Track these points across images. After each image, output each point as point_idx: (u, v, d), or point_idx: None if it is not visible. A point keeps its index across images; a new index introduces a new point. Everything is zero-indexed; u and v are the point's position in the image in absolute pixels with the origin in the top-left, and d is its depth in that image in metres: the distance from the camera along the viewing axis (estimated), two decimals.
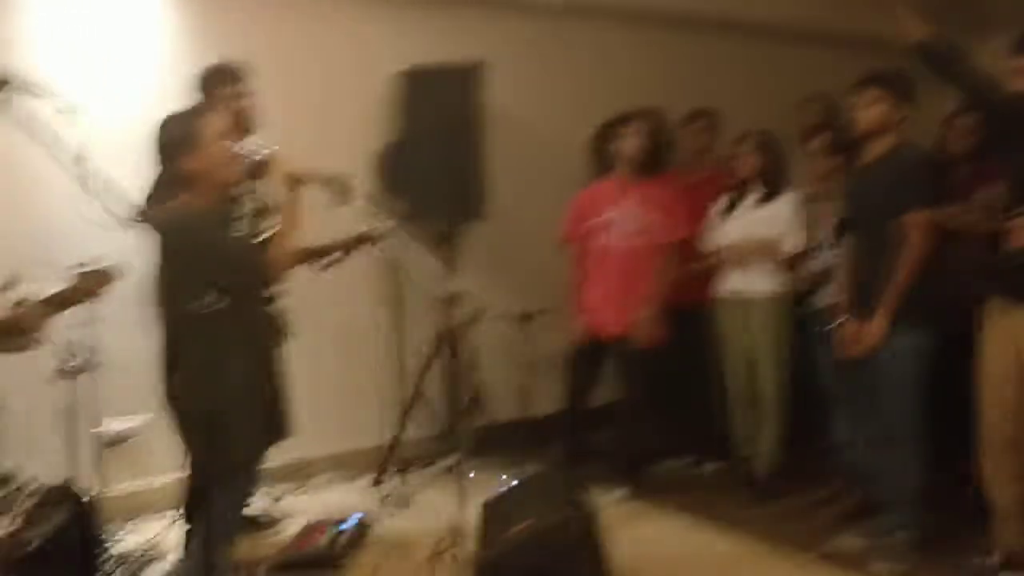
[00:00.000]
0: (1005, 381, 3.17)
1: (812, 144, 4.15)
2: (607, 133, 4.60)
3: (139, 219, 2.56)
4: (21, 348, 2.48)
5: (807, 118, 4.63)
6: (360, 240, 3.83)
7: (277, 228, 2.85)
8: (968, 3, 5.35)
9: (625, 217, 4.34)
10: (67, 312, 2.80)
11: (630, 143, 4.34)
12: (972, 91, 3.33)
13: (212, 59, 3.66)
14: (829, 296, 3.89)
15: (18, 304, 2.40)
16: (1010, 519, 3.23)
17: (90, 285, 2.42)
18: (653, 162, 4.38)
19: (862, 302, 3.53)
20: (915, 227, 3.41)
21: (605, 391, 4.54)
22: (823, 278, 4.01)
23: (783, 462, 4.26)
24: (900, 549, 3.48)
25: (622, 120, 4.44)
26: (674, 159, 4.83)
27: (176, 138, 2.70)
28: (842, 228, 3.80)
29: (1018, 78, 3.17)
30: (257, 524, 3.91)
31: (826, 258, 3.99)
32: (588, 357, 4.40)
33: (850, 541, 3.66)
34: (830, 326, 3.75)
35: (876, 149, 3.56)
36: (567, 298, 4.50)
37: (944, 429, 3.49)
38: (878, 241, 3.49)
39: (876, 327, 3.45)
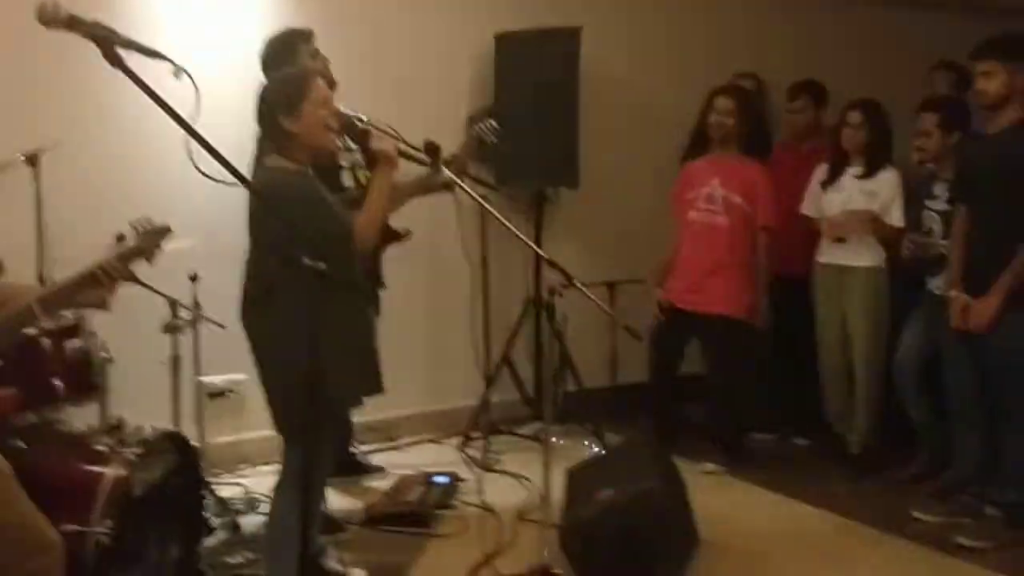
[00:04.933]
0: None
1: (927, 120, 3.92)
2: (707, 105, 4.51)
3: (239, 180, 2.61)
4: (101, 304, 2.53)
5: (937, 87, 4.46)
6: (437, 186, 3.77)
7: (367, 201, 2.86)
8: None
9: (715, 195, 4.26)
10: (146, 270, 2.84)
11: (719, 120, 4.25)
12: None
13: (307, 22, 3.69)
14: (938, 275, 3.77)
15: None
16: None
17: (150, 244, 2.46)
18: (746, 139, 4.29)
19: (976, 277, 3.41)
20: None
21: (694, 363, 4.50)
22: (931, 258, 3.86)
23: (876, 438, 4.19)
24: (991, 526, 3.42)
25: (716, 92, 4.35)
26: (773, 133, 4.72)
27: (279, 100, 2.74)
28: (954, 199, 3.66)
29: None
30: (353, 471, 4.02)
31: (936, 238, 3.85)
32: (674, 329, 4.36)
33: (939, 518, 3.60)
34: (929, 297, 3.63)
35: (999, 121, 3.42)
36: (655, 268, 4.46)
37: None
38: (997, 216, 3.37)
39: (991, 305, 3.32)
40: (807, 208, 4.33)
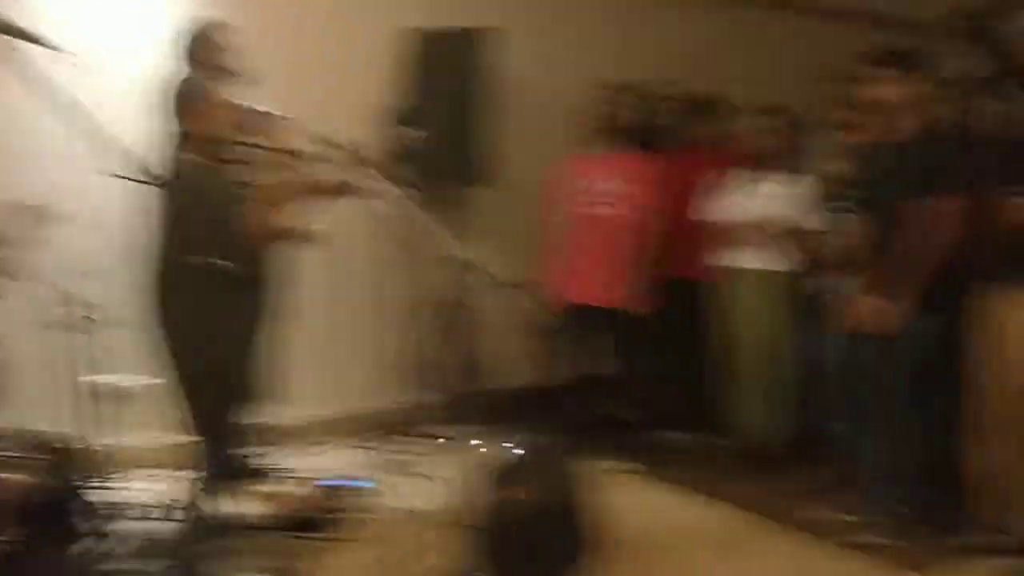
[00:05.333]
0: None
1: (836, 119, 4.03)
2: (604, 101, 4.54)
3: (143, 175, 2.54)
4: None
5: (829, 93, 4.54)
6: (342, 189, 3.73)
7: (263, 197, 2.82)
8: None
9: (611, 187, 4.30)
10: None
11: (618, 113, 4.29)
12: None
13: (215, 14, 3.61)
14: (835, 274, 3.83)
15: None
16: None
17: (26, 223, 2.39)
18: (644, 136, 4.34)
19: (876, 280, 3.48)
20: (947, 213, 3.34)
21: (607, 362, 4.52)
22: (830, 256, 3.95)
23: (779, 437, 4.27)
24: (892, 524, 3.48)
25: (618, 91, 4.39)
26: (673, 135, 4.79)
27: (181, 100, 2.70)
28: (853, 204, 3.74)
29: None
30: (258, 478, 3.93)
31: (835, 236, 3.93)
32: (574, 326, 4.38)
33: (842, 515, 3.65)
34: (833, 299, 3.72)
35: (901, 128, 3.50)
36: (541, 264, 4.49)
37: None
38: (897, 220, 3.43)
39: (893, 308, 3.40)
40: (710, 213, 4.36)
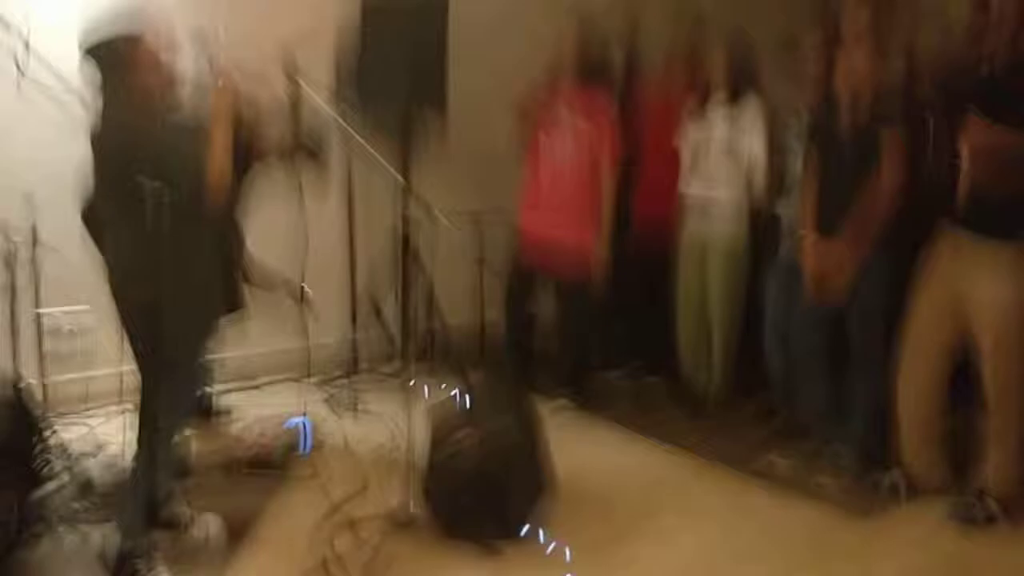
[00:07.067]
0: (932, 323, 3.22)
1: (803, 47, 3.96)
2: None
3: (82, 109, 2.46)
4: None
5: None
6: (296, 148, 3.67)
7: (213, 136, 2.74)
8: None
9: (564, 132, 4.24)
10: None
11: (566, 49, 4.22)
12: None
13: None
14: (791, 209, 3.84)
15: None
16: (912, 441, 3.35)
17: None
18: (592, 71, 4.26)
19: (828, 222, 3.50)
20: (894, 149, 3.36)
21: (551, 302, 4.54)
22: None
23: (726, 381, 4.32)
24: (843, 466, 3.56)
25: (583, 24, 4.29)
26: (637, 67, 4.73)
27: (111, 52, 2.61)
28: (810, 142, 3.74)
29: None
30: (208, 416, 3.90)
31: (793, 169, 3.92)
32: (527, 266, 4.37)
33: (785, 458, 3.73)
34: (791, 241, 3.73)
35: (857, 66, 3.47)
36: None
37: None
38: (850, 164, 3.45)
39: (839, 247, 3.43)
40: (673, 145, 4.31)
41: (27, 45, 1.81)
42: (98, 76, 2.65)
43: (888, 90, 3.48)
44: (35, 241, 3.33)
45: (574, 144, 4.22)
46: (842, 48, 3.52)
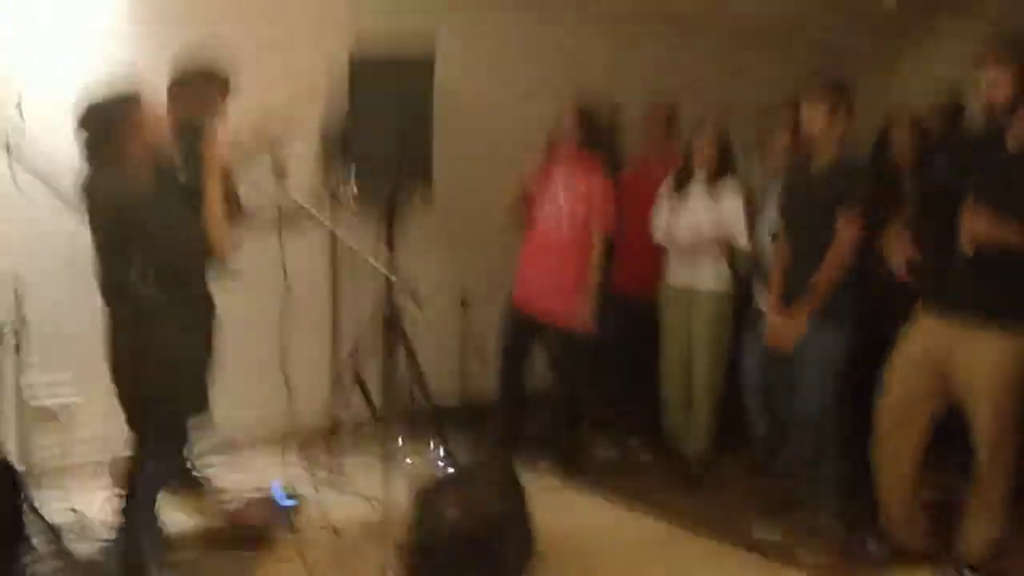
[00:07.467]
0: (913, 389, 3.26)
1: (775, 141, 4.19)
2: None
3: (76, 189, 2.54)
4: None
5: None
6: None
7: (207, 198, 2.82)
8: None
9: (558, 201, 4.35)
10: None
11: (565, 126, 4.34)
12: None
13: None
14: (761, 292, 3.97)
15: None
16: (894, 508, 3.36)
17: None
18: (588, 147, 4.38)
19: (790, 298, 3.65)
20: (847, 225, 3.50)
21: (542, 376, 4.56)
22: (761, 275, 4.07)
23: (714, 453, 4.35)
24: (820, 539, 3.57)
25: (576, 105, 4.43)
26: (620, 148, 4.86)
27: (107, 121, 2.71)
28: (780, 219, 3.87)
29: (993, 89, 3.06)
30: (193, 489, 3.88)
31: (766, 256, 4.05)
32: (520, 331, 4.42)
33: (773, 531, 3.73)
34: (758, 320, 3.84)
35: (821, 156, 3.64)
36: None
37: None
38: (814, 245, 3.59)
39: (793, 322, 3.57)
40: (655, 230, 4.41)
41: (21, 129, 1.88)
42: (92, 142, 2.74)
43: (852, 168, 3.62)
44: (23, 322, 3.37)
45: (569, 208, 4.32)
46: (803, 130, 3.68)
